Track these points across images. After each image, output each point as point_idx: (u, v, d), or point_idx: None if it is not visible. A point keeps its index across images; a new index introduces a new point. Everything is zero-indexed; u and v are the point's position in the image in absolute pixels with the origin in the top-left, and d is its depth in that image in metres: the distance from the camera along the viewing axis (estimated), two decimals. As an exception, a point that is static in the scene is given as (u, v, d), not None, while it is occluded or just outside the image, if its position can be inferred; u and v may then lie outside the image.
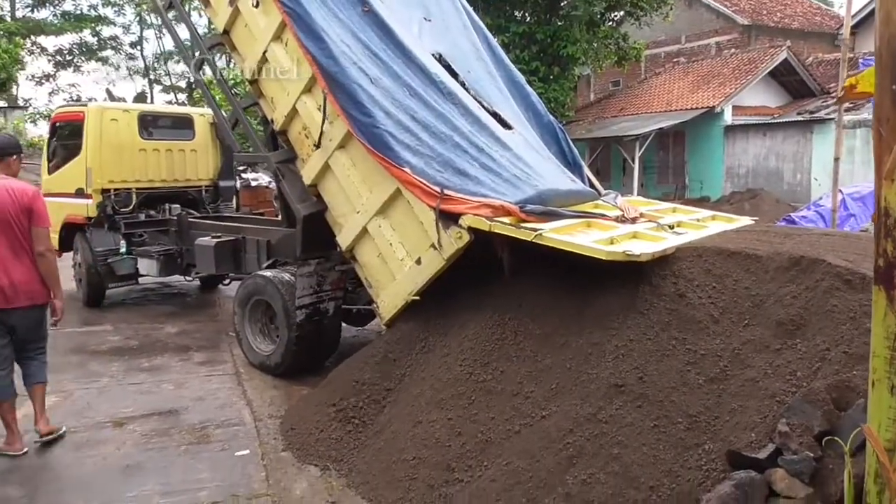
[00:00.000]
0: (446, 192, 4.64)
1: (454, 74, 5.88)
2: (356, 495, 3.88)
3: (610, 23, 22.43)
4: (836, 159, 7.12)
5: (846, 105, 10.80)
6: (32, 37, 27.75)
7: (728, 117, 19.95)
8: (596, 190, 5.90)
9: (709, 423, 3.17)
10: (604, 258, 3.91)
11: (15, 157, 4.73)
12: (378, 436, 4.25)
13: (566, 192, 5.25)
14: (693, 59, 25.64)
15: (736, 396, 3.18)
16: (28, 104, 29.41)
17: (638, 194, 19.19)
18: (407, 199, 4.87)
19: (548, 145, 6.08)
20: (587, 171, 6.13)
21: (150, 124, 9.17)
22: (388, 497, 3.77)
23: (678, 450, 3.14)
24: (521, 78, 6.58)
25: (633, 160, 19.13)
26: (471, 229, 4.47)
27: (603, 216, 4.95)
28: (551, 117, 6.36)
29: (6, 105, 22.36)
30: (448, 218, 4.59)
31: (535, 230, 4.27)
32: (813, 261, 3.48)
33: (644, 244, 4.27)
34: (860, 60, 13.02)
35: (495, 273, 4.65)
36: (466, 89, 5.80)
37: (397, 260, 5.02)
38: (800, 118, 19.00)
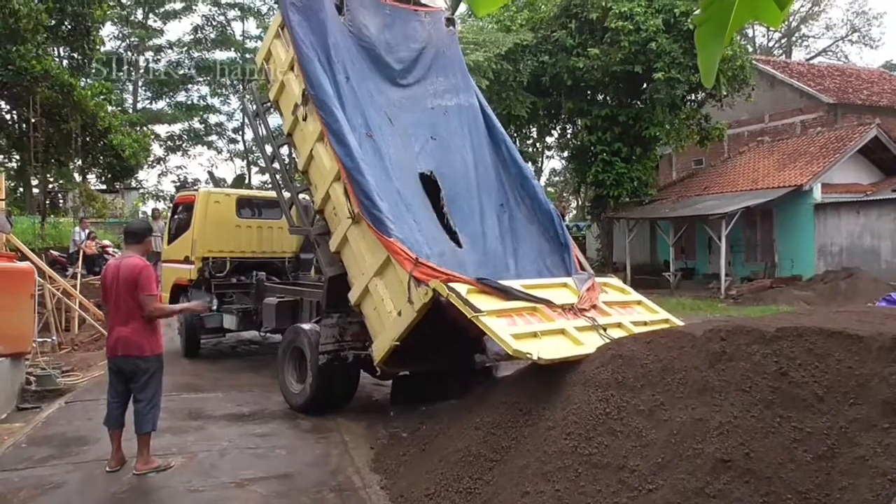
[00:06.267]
0: (420, 260, 5.91)
1: (438, 189, 7.36)
2: (468, 560, 4.07)
3: (692, 104, 22.71)
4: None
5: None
6: (149, 126, 30.50)
7: (818, 195, 19.61)
8: (582, 267, 7.07)
9: (819, 500, 3.23)
10: (510, 353, 4.94)
11: (149, 238, 5.99)
12: (486, 504, 4.45)
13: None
14: (777, 137, 25.44)
15: (846, 474, 3.24)
16: (140, 185, 31.97)
17: (726, 273, 18.97)
18: (393, 264, 6.17)
19: (546, 228, 7.43)
20: (575, 251, 7.24)
21: (245, 205, 10.89)
22: (499, 563, 3.95)
23: (789, 525, 3.22)
24: (531, 174, 8.01)
25: (720, 238, 18.95)
26: (434, 291, 5.65)
27: (550, 303, 5.79)
28: (551, 205, 7.66)
29: (123, 187, 24.47)
30: (420, 281, 5.80)
31: (477, 310, 5.33)
32: (917, 342, 3.55)
33: (559, 346, 5.14)
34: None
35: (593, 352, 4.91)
36: (441, 203, 7.26)
37: (387, 312, 6.31)
38: (894, 196, 18.50)
